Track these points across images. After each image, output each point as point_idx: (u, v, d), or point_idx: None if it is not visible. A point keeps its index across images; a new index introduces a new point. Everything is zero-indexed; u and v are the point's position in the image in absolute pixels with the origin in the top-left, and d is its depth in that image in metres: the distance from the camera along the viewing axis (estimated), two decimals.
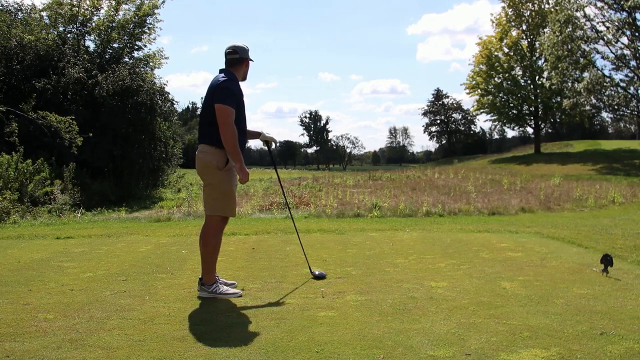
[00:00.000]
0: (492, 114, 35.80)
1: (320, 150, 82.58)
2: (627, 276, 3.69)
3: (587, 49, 25.74)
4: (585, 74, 25.92)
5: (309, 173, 29.80)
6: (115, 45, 21.42)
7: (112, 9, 20.80)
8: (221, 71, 3.37)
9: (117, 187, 17.53)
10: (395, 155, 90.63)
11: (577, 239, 5.50)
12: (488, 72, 33.75)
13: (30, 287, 3.52)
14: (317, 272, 3.76)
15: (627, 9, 23.66)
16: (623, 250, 4.80)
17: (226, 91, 3.18)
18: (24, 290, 3.46)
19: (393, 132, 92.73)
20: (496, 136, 69.93)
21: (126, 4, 20.94)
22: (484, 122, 75.26)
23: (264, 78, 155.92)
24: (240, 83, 3.40)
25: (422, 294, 3.25)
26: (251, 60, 3.47)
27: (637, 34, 24.45)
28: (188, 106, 76.57)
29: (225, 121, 3.12)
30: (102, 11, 20.75)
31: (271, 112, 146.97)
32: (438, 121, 69.36)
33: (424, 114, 69.38)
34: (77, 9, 19.97)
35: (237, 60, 3.36)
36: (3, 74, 16.57)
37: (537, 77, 32.68)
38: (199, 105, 79.80)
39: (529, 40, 32.98)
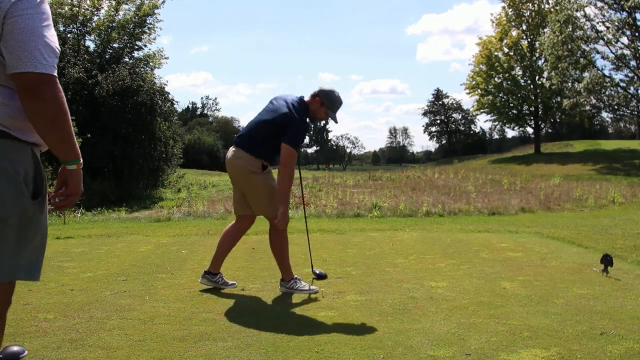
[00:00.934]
0: (492, 114, 35.79)
1: (320, 150, 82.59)
2: (627, 276, 3.69)
3: (587, 49, 25.76)
4: (585, 74, 25.93)
5: (309, 173, 29.78)
6: (115, 45, 21.44)
7: (112, 9, 20.82)
8: (300, 100, 3.25)
9: (117, 187, 17.56)
10: (395, 155, 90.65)
11: (577, 239, 5.50)
12: (488, 72, 33.74)
13: (30, 287, 3.52)
14: (318, 272, 3.76)
15: (627, 9, 23.67)
16: (623, 250, 4.80)
17: (301, 134, 3.13)
18: (23, 290, 3.45)
19: (393, 132, 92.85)
20: (496, 136, 70.00)
21: (126, 4, 20.96)
22: (484, 123, 75.26)
23: (263, 78, 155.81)
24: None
25: (422, 294, 3.24)
26: (333, 118, 3.26)
27: (637, 34, 24.45)
28: (188, 106, 76.52)
29: (289, 165, 3.06)
30: (102, 11, 20.79)
31: None
32: (438, 121, 69.40)
33: (424, 114, 69.45)
34: (77, 8, 19.97)
35: (313, 96, 3.25)
36: None
37: (537, 77, 32.68)
38: (199, 105, 79.83)
39: (529, 40, 32.98)
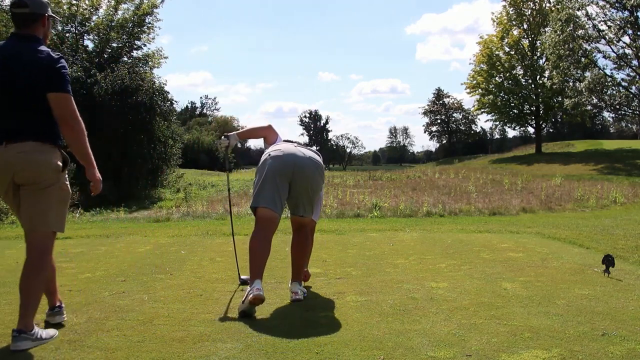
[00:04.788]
0: (493, 113, 35.75)
1: (320, 150, 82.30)
2: (628, 277, 3.67)
3: (589, 48, 25.75)
4: (587, 74, 25.90)
5: None
6: (114, 44, 21.41)
7: (112, 9, 20.80)
8: (28, 38, 2.41)
9: (116, 187, 17.52)
10: (395, 155, 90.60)
11: (578, 240, 5.48)
12: (489, 72, 33.70)
13: None
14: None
15: (629, 7, 23.62)
16: (625, 250, 4.78)
17: (67, 75, 2.41)
18: None
19: (393, 132, 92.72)
20: (497, 136, 69.85)
21: (125, 3, 20.93)
22: (484, 122, 75.01)
23: (263, 78, 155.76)
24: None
25: (422, 294, 3.23)
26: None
27: (639, 33, 24.40)
28: (187, 105, 76.61)
29: (75, 115, 2.41)
30: (101, 10, 20.76)
31: (271, 111, 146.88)
32: (438, 121, 69.27)
33: (425, 113, 69.29)
34: (75, 8, 19.95)
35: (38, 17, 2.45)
36: None
37: (538, 77, 32.63)
38: (198, 104, 79.80)
39: (530, 39, 32.92)
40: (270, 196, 2.98)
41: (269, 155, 3.07)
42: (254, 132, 3.49)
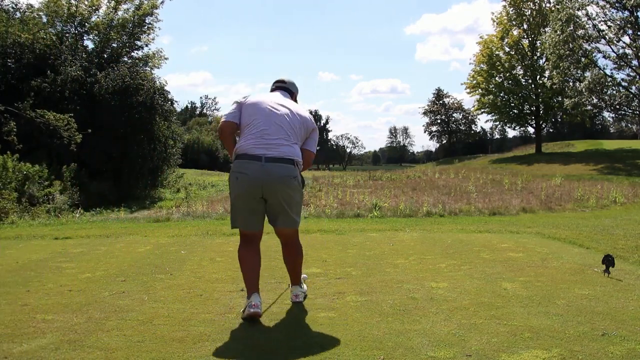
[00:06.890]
0: (493, 113, 35.73)
1: (320, 150, 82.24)
2: (628, 277, 3.67)
3: (589, 48, 25.72)
4: (587, 74, 25.87)
5: (309, 173, 29.79)
6: (114, 44, 21.41)
7: (112, 9, 20.80)
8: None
9: (116, 187, 17.53)
10: (395, 155, 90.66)
11: (578, 240, 5.47)
12: (489, 72, 33.66)
13: (29, 288, 3.51)
14: None
15: (629, 7, 23.61)
16: (625, 250, 4.78)
17: None
18: (22, 290, 3.44)
19: (393, 132, 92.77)
20: (497, 136, 69.81)
21: (125, 3, 20.93)
22: (484, 122, 74.86)
23: (263, 78, 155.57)
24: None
25: (422, 294, 3.23)
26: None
27: (639, 33, 24.39)
28: (187, 105, 76.53)
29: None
30: (101, 10, 20.76)
31: None
32: (438, 121, 69.26)
33: (425, 113, 69.28)
34: (75, 8, 19.94)
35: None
36: (0, 73, 16.53)
37: (538, 77, 32.61)
38: (198, 104, 79.73)
39: (530, 39, 32.90)
40: (244, 219, 2.97)
41: (236, 177, 2.89)
42: (231, 145, 3.09)
